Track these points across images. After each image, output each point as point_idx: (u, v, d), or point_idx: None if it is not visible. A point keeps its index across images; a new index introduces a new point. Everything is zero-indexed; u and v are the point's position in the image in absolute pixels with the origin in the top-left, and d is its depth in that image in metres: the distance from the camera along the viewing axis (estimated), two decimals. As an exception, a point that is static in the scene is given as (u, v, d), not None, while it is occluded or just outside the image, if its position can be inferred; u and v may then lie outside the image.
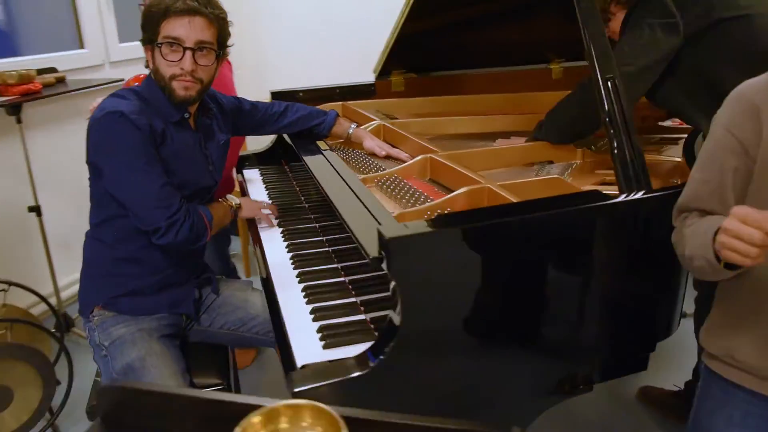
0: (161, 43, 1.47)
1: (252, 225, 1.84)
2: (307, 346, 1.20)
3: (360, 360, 1.06)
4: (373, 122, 2.05)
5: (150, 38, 1.51)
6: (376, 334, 1.22)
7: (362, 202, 1.30)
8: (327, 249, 1.63)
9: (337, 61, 3.72)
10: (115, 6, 3.09)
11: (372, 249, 1.07)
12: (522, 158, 1.77)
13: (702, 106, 1.60)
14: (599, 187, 1.55)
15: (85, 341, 2.57)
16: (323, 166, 1.63)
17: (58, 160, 2.83)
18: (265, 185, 2.17)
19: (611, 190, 1.52)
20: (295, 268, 1.53)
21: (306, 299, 1.38)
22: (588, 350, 1.24)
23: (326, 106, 2.12)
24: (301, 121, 1.92)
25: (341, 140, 2.00)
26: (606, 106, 1.24)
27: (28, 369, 1.94)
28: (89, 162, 1.52)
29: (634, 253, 1.22)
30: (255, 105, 1.88)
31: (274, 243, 1.70)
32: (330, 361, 1.12)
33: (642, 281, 1.25)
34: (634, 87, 1.56)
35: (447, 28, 2.31)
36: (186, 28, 1.46)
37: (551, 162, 1.77)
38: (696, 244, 1.04)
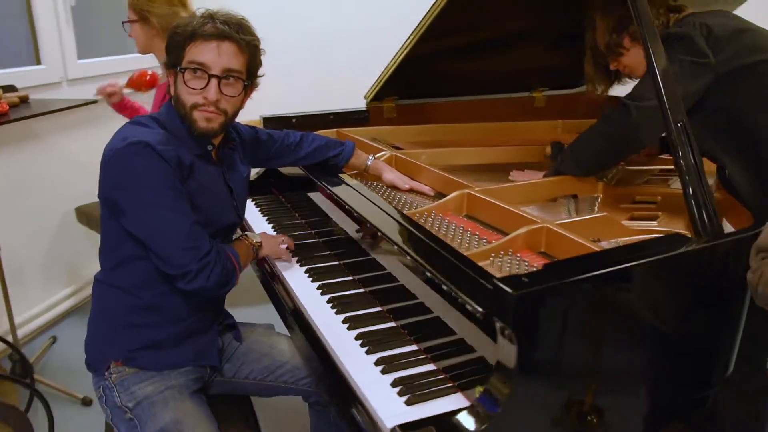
0: (185, 69, 1.35)
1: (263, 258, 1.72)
2: (387, 402, 1.11)
3: (474, 412, 0.98)
4: (384, 153, 1.98)
5: (173, 62, 1.38)
6: (456, 385, 1.15)
7: (441, 251, 1.22)
8: (363, 290, 1.53)
9: (300, 90, 3.64)
10: (74, 20, 2.85)
11: (481, 302, 1.01)
12: (549, 193, 1.75)
13: (726, 146, 1.64)
14: (632, 222, 1.58)
15: (50, 389, 2.34)
16: (370, 208, 1.52)
17: (13, 186, 2.57)
18: (265, 217, 2.04)
19: (644, 225, 1.55)
20: (337, 313, 1.43)
21: (365, 349, 1.28)
22: (669, 390, 1.23)
23: (320, 134, 2.01)
24: (319, 152, 1.82)
25: (354, 172, 1.91)
26: (679, 152, 1.24)
27: (2, 428, 1.72)
28: (104, 197, 1.37)
29: (710, 294, 1.22)
30: (271, 135, 1.76)
31: (302, 284, 1.58)
32: (429, 419, 1.04)
33: (712, 322, 1.25)
34: (657, 121, 1.59)
35: (435, 56, 2.28)
36: (213, 54, 1.35)
37: (575, 196, 1.76)
38: None
